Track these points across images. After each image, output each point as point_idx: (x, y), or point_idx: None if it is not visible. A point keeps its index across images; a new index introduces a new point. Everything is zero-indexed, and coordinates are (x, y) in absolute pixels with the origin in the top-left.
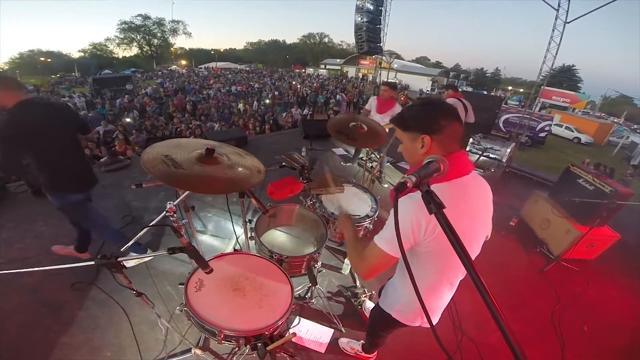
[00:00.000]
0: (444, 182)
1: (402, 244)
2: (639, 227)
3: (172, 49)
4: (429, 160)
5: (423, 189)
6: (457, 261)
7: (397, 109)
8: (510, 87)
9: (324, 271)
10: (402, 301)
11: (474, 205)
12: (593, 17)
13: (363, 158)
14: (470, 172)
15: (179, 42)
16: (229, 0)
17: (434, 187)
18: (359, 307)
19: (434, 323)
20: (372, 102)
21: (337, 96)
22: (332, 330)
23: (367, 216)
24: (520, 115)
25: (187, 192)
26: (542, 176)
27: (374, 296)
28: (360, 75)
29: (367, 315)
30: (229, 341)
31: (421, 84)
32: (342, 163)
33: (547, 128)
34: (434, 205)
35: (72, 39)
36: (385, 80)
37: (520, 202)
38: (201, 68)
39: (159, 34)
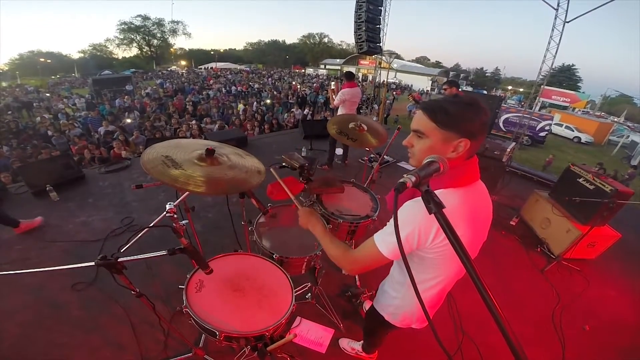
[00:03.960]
0: (463, 187)
1: (403, 248)
2: (639, 226)
3: (171, 49)
4: (429, 160)
5: (422, 188)
6: (457, 266)
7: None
8: (510, 87)
9: (324, 271)
10: (395, 304)
11: (482, 210)
12: (593, 17)
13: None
14: (478, 177)
15: (179, 42)
16: (229, 1)
17: (448, 192)
18: (359, 307)
19: (425, 325)
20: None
21: None
22: (332, 330)
23: (367, 216)
24: (520, 114)
25: (187, 192)
26: (542, 175)
27: (375, 296)
28: (360, 75)
29: None
30: (229, 342)
31: (421, 83)
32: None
33: (547, 127)
34: (433, 205)
35: (72, 39)
36: (385, 80)
37: (520, 201)
38: (201, 69)
39: (158, 35)
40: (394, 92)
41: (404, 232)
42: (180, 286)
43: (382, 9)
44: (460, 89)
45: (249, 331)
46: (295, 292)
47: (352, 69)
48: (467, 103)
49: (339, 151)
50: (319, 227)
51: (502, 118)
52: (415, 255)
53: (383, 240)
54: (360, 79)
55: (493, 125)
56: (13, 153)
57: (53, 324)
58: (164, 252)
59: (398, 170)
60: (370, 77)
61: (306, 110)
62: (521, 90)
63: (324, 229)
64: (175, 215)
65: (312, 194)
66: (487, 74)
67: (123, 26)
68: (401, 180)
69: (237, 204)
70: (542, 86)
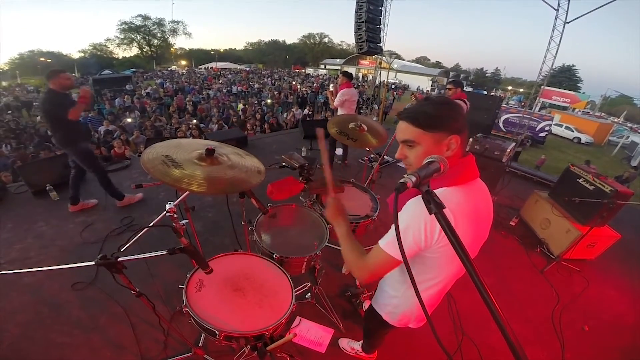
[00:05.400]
0: (463, 185)
1: (403, 247)
2: (639, 226)
3: (172, 49)
4: (429, 160)
5: (423, 189)
6: (458, 265)
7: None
8: (510, 87)
9: (324, 271)
10: (394, 303)
11: (484, 208)
12: (593, 17)
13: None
14: (478, 175)
15: (179, 42)
16: (229, 1)
17: (451, 190)
18: (359, 307)
19: (423, 324)
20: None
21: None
22: (332, 330)
23: (367, 216)
24: (520, 115)
25: (187, 192)
26: (542, 176)
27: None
28: (360, 75)
29: None
30: (229, 341)
31: (421, 84)
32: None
33: (547, 128)
34: (434, 205)
35: (72, 39)
36: (385, 80)
37: (520, 201)
38: (201, 68)
39: (158, 34)
40: (394, 92)
41: (410, 231)
42: (180, 286)
43: (382, 9)
44: (462, 91)
45: (249, 331)
46: (295, 292)
47: (352, 69)
48: (440, 102)
49: (338, 151)
50: (343, 228)
51: (502, 118)
52: (418, 255)
53: (389, 243)
54: (360, 79)
55: (493, 125)
56: (14, 153)
57: (53, 324)
58: (164, 252)
59: (398, 170)
60: (370, 78)
61: (306, 110)
62: (521, 90)
63: (348, 231)
64: (175, 215)
65: (312, 194)
66: (487, 74)
67: (123, 26)
68: (401, 180)
69: (237, 204)
70: (542, 86)
